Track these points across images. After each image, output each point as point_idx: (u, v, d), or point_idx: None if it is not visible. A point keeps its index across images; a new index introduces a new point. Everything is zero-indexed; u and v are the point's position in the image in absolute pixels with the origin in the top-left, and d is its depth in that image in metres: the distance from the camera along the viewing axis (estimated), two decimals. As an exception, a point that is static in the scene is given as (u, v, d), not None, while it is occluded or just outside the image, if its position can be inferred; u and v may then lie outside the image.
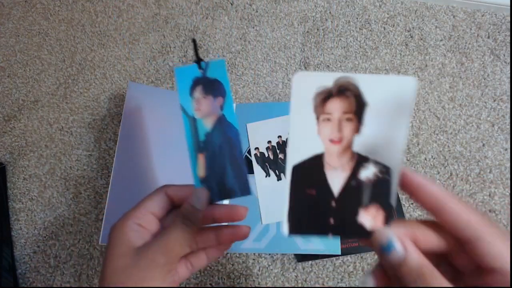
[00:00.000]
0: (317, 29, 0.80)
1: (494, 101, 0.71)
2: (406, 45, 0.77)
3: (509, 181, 0.64)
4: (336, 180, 0.23)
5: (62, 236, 0.66)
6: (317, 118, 0.23)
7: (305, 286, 0.60)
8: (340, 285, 0.60)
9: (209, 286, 0.61)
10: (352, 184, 0.23)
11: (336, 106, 0.22)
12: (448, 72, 0.74)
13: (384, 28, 0.79)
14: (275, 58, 0.78)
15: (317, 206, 0.24)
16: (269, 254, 0.62)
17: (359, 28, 0.79)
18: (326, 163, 0.23)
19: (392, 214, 0.23)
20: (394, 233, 0.22)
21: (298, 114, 0.22)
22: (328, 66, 0.76)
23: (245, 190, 0.29)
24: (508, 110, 0.70)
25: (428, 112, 0.70)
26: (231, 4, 0.84)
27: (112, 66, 0.79)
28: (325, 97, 0.22)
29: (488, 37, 0.76)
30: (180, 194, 0.33)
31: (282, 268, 0.61)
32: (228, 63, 0.78)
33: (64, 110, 0.75)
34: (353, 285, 0.60)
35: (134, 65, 0.79)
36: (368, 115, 0.22)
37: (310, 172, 0.23)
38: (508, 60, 0.74)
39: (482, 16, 0.78)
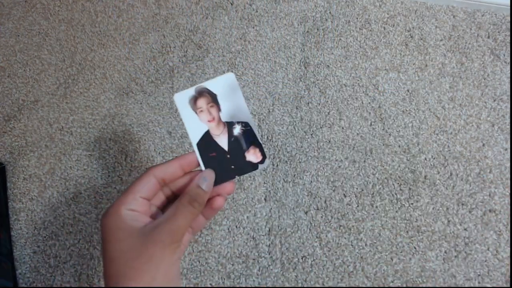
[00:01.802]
0: (317, 29, 0.80)
1: (494, 101, 0.71)
2: (406, 45, 0.77)
3: (509, 181, 0.64)
4: (222, 141, 0.38)
5: (62, 236, 0.66)
6: (196, 112, 0.37)
7: (305, 286, 0.60)
8: (340, 285, 0.60)
9: (209, 286, 0.61)
10: (232, 140, 0.38)
11: (202, 102, 0.37)
12: (448, 72, 0.74)
13: (384, 28, 0.79)
14: (275, 58, 0.78)
15: (220, 161, 0.38)
16: (269, 254, 0.62)
17: (359, 28, 0.79)
18: (212, 135, 0.38)
19: (263, 148, 0.38)
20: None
21: (185, 115, 0.37)
22: (328, 66, 0.76)
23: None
24: (508, 110, 0.70)
25: (428, 112, 0.70)
26: (231, 4, 0.84)
27: (112, 66, 0.79)
28: (194, 100, 0.37)
29: (488, 37, 0.76)
30: (169, 172, 0.35)
31: (282, 268, 0.61)
32: (228, 63, 0.78)
33: (64, 110, 0.75)
34: (353, 285, 0.60)
35: (134, 65, 0.79)
36: (220, 99, 0.38)
37: (207, 143, 0.38)
38: (508, 60, 0.74)
39: (482, 16, 0.78)
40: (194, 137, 0.37)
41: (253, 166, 0.38)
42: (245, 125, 0.38)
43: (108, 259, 0.31)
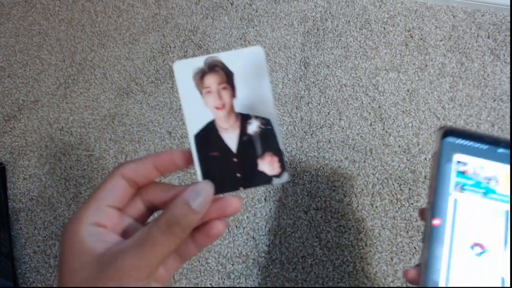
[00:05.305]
0: (317, 29, 0.80)
1: (494, 101, 0.71)
2: (406, 45, 0.77)
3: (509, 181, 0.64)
4: (231, 139, 0.28)
5: (62, 236, 0.66)
6: (201, 93, 0.27)
7: (305, 286, 0.60)
8: (340, 285, 0.60)
9: (209, 286, 0.61)
10: (244, 139, 0.28)
11: (211, 80, 0.27)
12: (448, 72, 0.74)
13: (384, 28, 0.79)
14: (275, 58, 0.78)
15: (223, 164, 0.28)
16: (269, 254, 0.62)
17: (359, 28, 0.79)
18: (218, 127, 0.27)
19: (283, 157, 0.28)
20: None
21: (185, 94, 0.27)
22: (328, 66, 0.76)
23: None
24: (508, 110, 0.70)
25: (428, 112, 0.70)
26: (231, 4, 0.84)
27: (112, 66, 0.79)
28: (201, 75, 0.27)
29: (488, 37, 0.76)
30: (141, 172, 0.26)
31: (282, 268, 0.61)
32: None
33: (64, 110, 0.75)
34: (353, 285, 0.60)
35: (134, 65, 0.79)
36: (237, 82, 0.27)
37: (209, 137, 0.27)
38: (508, 60, 0.74)
39: (482, 16, 0.78)
40: (193, 125, 0.27)
41: (266, 179, 0.28)
42: (266, 123, 0.28)
43: None
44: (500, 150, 0.28)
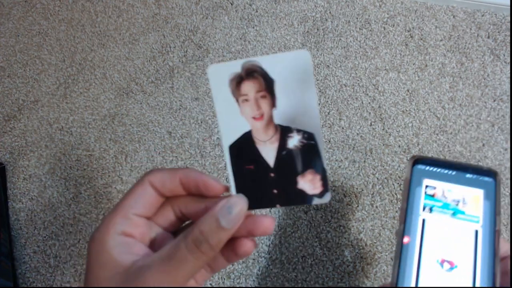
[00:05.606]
0: (317, 29, 0.80)
1: (494, 101, 0.71)
2: (406, 45, 0.77)
3: (509, 181, 0.64)
4: (268, 152, 0.25)
5: (62, 236, 0.66)
6: (237, 100, 0.24)
7: (305, 286, 0.60)
8: (340, 285, 0.60)
9: (209, 286, 0.61)
10: (283, 154, 0.25)
11: (249, 87, 0.24)
12: (448, 72, 0.74)
13: (384, 28, 0.79)
14: (275, 58, 0.78)
15: (258, 179, 0.25)
16: (269, 254, 0.62)
17: (359, 28, 0.79)
18: (255, 139, 0.25)
19: (326, 176, 0.25)
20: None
21: (220, 101, 0.25)
22: (328, 66, 0.76)
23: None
24: (508, 110, 0.70)
25: (428, 112, 0.70)
26: (231, 4, 0.84)
27: (112, 66, 0.79)
28: (238, 81, 0.24)
29: (488, 37, 0.76)
30: (167, 184, 0.25)
31: (282, 268, 0.61)
32: (228, 63, 0.78)
33: (64, 110, 0.75)
34: (353, 285, 0.60)
35: (134, 65, 0.79)
36: (278, 90, 0.24)
37: (245, 149, 0.25)
38: (508, 60, 0.74)
39: (482, 16, 0.78)
40: (227, 135, 0.25)
41: (306, 198, 0.25)
42: (308, 137, 0.25)
43: None
44: (468, 175, 0.29)
